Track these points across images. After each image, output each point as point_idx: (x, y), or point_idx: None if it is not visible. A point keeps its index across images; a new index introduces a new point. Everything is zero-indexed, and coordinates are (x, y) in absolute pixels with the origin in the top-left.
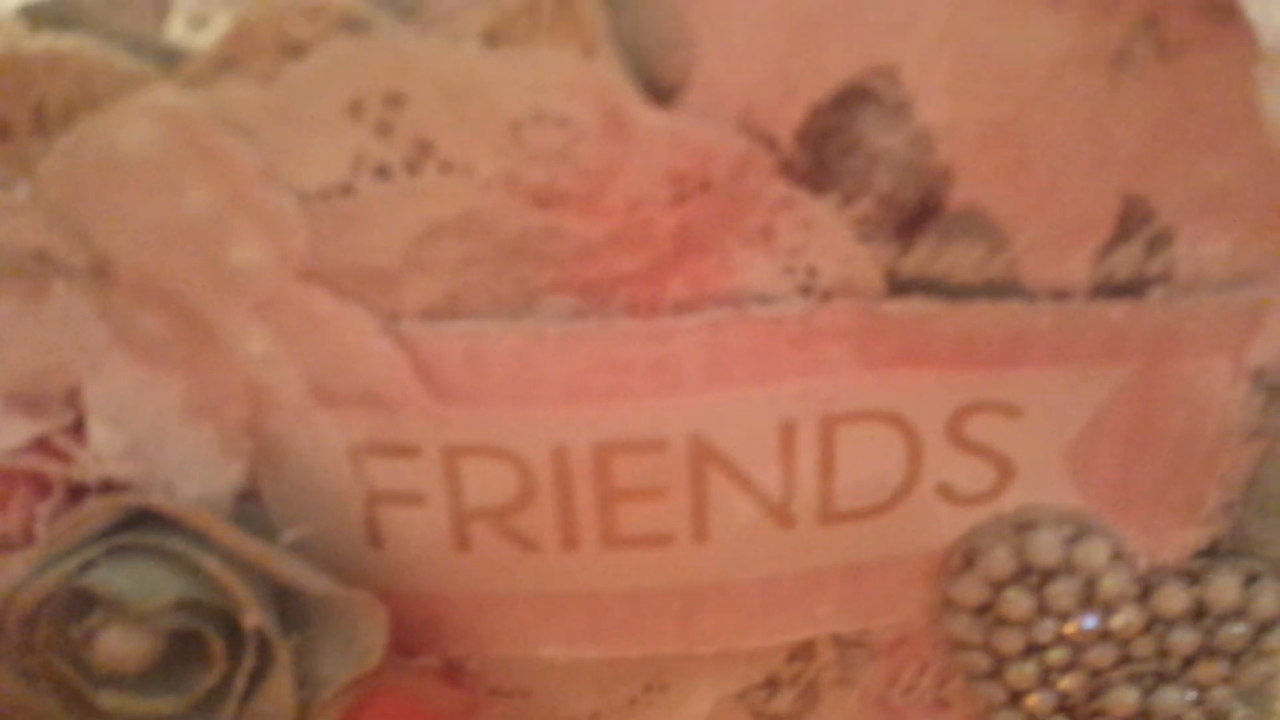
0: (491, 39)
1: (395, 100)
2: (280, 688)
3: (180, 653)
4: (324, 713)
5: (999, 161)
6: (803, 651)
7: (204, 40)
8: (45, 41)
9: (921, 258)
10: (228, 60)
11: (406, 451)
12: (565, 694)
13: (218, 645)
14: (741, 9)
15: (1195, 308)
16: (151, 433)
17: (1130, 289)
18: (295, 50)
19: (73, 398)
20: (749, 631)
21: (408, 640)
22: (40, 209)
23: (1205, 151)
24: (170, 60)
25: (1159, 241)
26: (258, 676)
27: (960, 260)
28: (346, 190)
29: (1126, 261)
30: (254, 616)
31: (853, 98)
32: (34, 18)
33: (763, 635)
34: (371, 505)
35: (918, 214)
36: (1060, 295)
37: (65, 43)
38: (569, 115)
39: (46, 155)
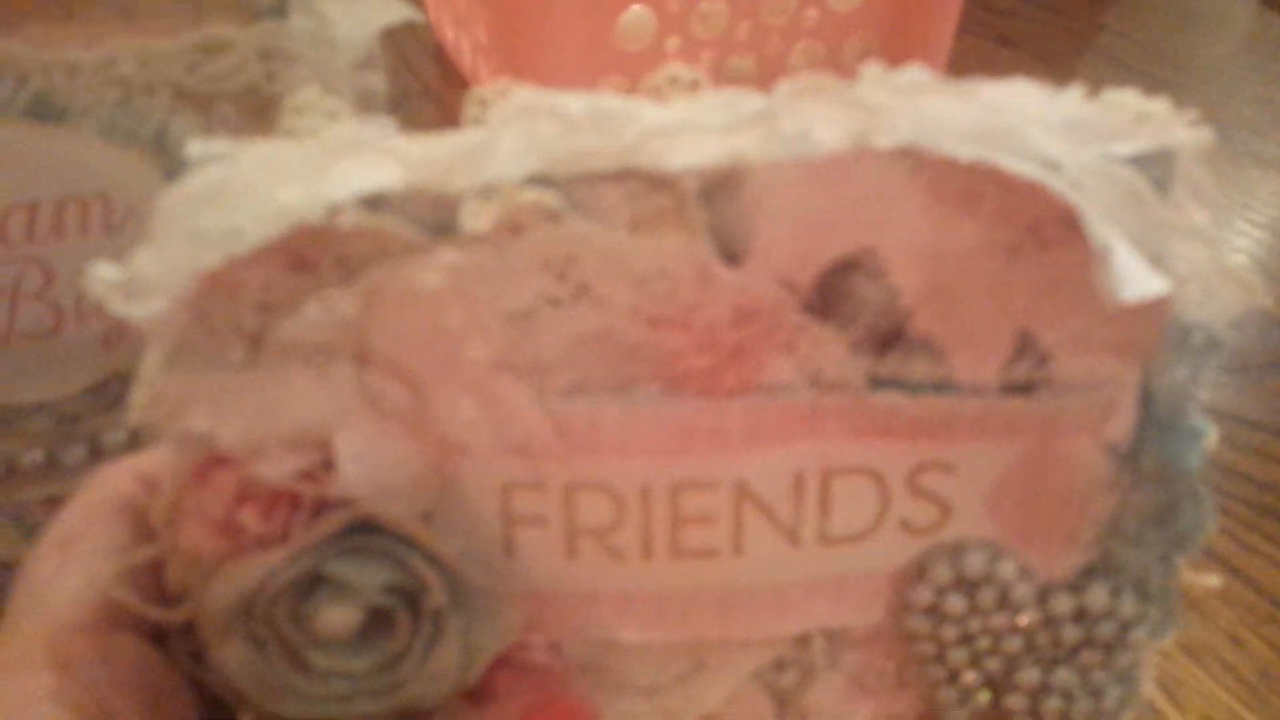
0: (633, 226)
1: (570, 259)
2: (449, 652)
3: (374, 626)
4: (474, 672)
5: (940, 309)
6: (802, 640)
7: (471, 221)
8: (355, 219)
9: (892, 366)
10: (481, 238)
11: (539, 487)
12: (633, 670)
13: (405, 620)
14: (779, 219)
15: (1069, 403)
16: (377, 469)
17: (1025, 389)
18: (518, 229)
19: (326, 442)
20: (767, 623)
21: (527, 626)
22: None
23: (1070, 307)
24: (442, 231)
25: (1043, 361)
26: (432, 644)
27: (917, 368)
28: (530, 314)
29: (1022, 372)
30: (437, 598)
31: (849, 265)
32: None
33: (775, 626)
34: (509, 526)
35: (889, 338)
36: (979, 393)
37: (374, 220)
38: (676, 273)
39: (345, 285)
